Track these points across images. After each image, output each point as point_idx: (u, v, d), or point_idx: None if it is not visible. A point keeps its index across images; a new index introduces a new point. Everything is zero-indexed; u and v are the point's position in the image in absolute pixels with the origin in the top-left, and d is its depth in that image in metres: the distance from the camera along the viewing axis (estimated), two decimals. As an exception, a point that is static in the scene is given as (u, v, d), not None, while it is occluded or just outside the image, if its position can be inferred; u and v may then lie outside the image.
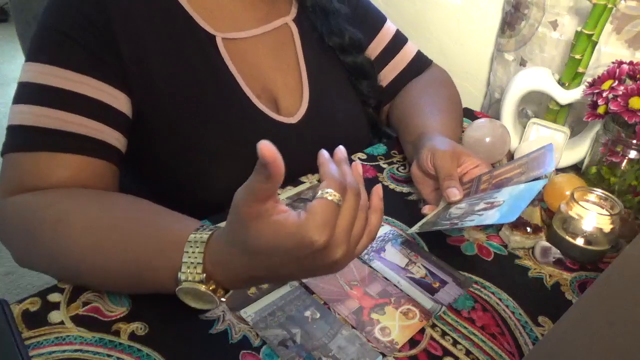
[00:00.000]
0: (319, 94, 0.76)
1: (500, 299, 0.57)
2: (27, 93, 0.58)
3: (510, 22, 0.97)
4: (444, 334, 0.52)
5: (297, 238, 0.39)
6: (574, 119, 0.90)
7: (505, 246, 0.65)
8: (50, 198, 0.54)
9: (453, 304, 0.56)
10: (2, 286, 1.58)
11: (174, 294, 0.46)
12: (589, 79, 0.75)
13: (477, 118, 0.92)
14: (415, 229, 0.59)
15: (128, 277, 0.49)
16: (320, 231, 0.39)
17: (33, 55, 0.59)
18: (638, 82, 0.69)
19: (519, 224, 0.64)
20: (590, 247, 0.62)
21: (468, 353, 0.50)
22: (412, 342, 0.51)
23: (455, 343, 0.51)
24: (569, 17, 0.87)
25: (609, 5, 0.74)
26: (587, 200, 0.65)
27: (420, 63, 0.89)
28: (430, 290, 0.57)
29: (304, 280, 0.56)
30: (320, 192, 0.40)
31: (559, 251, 0.62)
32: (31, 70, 0.58)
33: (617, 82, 0.70)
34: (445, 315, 0.54)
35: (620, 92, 0.68)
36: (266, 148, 0.36)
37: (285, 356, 0.48)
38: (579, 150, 0.81)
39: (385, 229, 0.65)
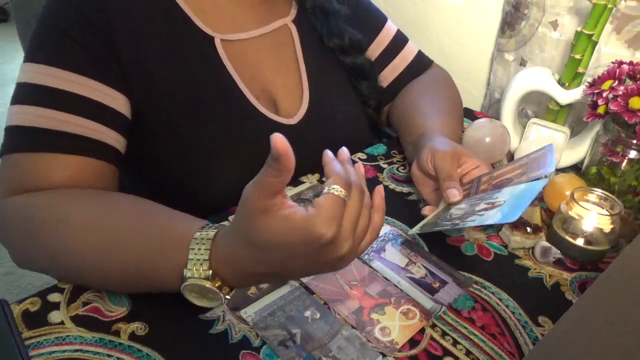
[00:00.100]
0: (319, 95, 0.76)
1: (500, 299, 0.57)
2: (26, 93, 0.58)
3: (510, 22, 0.97)
4: (444, 334, 0.52)
5: (305, 232, 0.40)
6: (574, 119, 0.90)
7: (505, 246, 0.65)
8: (51, 198, 0.54)
9: (453, 304, 0.56)
10: (2, 286, 1.58)
11: (176, 292, 0.47)
12: (589, 79, 0.75)
13: (477, 118, 0.92)
14: (415, 230, 0.59)
15: (131, 276, 0.49)
16: (327, 225, 0.39)
17: (31, 55, 0.59)
18: (638, 82, 0.69)
19: (519, 224, 0.64)
20: (590, 247, 0.62)
21: (468, 353, 0.50)
22: (412, 342, 0.51)
23: (455, 343, 0.51)
24: (569, 17, 0.87)
25: (609, 5, 0.74)
26: (587, 200, 0.65)
27: (421, 63, 0.89)
28: (430, 290, 0.57)
29: (304, 280, 0.56)
30: (326, 188, 0.41)
31: (559, 251, 0.62)
32: (29, 71, 0.58)
33: (617, 82, 0.70)
34: (445, 315, 0.54)
35: (620, 92, 0.68)
36: (279, 141, 0.37)
37: (285, 356, 0.48)
38: (579, 150, 0.81)
39: (385, 229, 0.65)
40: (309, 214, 0.40)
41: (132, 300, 0.53)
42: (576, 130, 0.87)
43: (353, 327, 0.51)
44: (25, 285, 1.58)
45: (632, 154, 0.70)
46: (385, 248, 0.62)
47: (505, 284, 0.59)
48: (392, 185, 0.75)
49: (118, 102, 0.61)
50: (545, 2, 0.89)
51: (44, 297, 0.52)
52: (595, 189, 0.66)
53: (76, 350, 0.47)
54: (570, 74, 0.79)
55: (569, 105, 0.82)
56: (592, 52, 0.78)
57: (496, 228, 0.67)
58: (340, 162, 0.45)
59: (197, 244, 0.45)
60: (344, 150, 0.47)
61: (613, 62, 0.73)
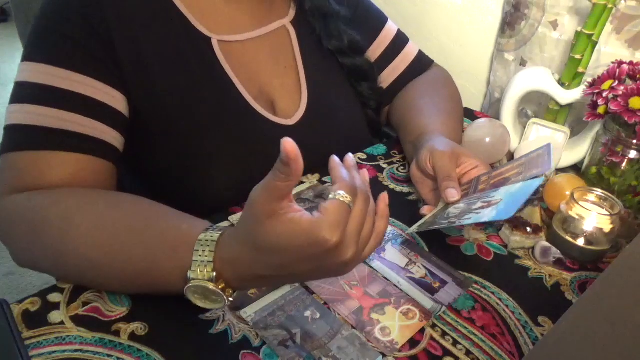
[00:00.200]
0: (318, 95, 0.76)
1: (500, 299, 0.57)
2: (24, 92, 0.58)
3: (510, 22, 0.97)
4: (444, 334, 0.52)
5: (310, 236, 0.40)
6: (574, 119, 0.90)
7: (505, 246, 0.65)
8: (54, 197, 0.53)
9: (453, 304, 0.56)
10: (2, 286, 1.58)
11: (179, 294, 0.47)
12: (589, 79, 0.75)
13: (477, 118, 0.92)
14: (414, 228, 0.60)
15: (135, 277, 0.49)
16: (332, 230, 0.40)
17: (29, 54, 0.59)
18: (638, 82, 0.69)
19: (519, 224, 0.64)
20: (590, 247, 0.62)
21: (468, 353, 0.50)
22: (412, 342, 0.51)
23: (455, 343, 0.51)
24: (569, 17, 0.87)
25: (609, 5, 0.74)
26: (587, 200, 0.65)
27: (421, 64, 0.89)
28: (430, 290, 0.57)
29: (304, 280, 0.56)
30: (332, 194, 0.42)
31: (559, 251, 0.62)
32: (28, 70, 0.58)
33: (617, 82, 0.70)
34: (445, 315, 0.54)
35: (620, 92, 0.68)
36: (290, 146, 0.37)
37: (285, 356, 0.48)
38: (579, 150, 0.81)
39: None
40: (314, 218, 0.40)
41: (132, 300, 0.53)
42: (576, 130, 0.87)
43: (353, 327, 0.51)
44: (25, 285, 1.58)
45: (632, 154, 0.70)
46: (385, 248, 0.62)
47: (505, 284, 0.59)
48: (392, 185, 0.75)
49: (116, 100, 0.61)
50: (545, 2, 0.89)
51: (44, 297, 0.52)
52: (595, 189, 0.66)
53: (76, 350, 0.47)
54: (570, 74, 0.79)
55: (569, 105, 0.82)
56: (592, 52, 0.78)
57: (496, 228, 0.67)
58: (346, 168, 0.45)
59: (202, 245, 0.45)
60: (350, 157, 0.47)
61: (613, 62, 0.73)
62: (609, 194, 0.65)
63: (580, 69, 0.78)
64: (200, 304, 0.47)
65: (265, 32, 0.73)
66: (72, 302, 0.52)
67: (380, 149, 0.84)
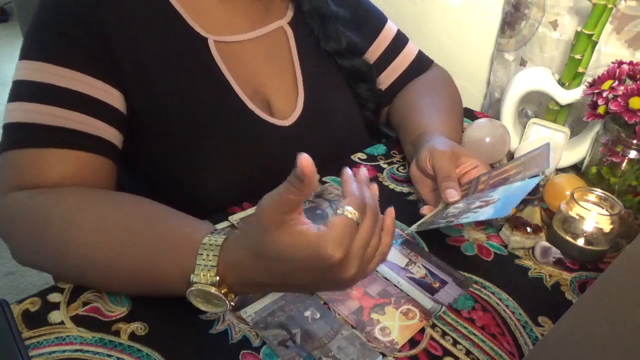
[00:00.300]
0: (315, 96, 0.75)
1: (500, 299, 0.57)
2: (23, 91, 0.58)
3: (510, 22, 0.97)
4: (444, 334, 0.52)
5: (315, 249, 0.40)
6: (574, 119, 0.90)
7: (505, 246, 0.65)
8: (56, 197, 0.53)
9: (453, 304, 0.56)
10: (2, 286, 1.58)
11: (181, 297, 0.47)
12: (589, 79, 0.75)
13: (477, 118, 0.92)
14: (413, 228, 0.60)
15: (137, 279, 0.50)
16: (337, 246, 0.40)
17: (27, 53, 0.59)
18: (638, 82, 0.69)
19: (519, 224, 0.64)
20: (590, 247, 0.62)
21: (468, 353, 0.50)
22: (412, 342, 0.51)
23: (455, 343, 0.51)
24: (569, 17, 0.87)
25: (609, 5, 0.74)
26: (587, 200, 0.65)
27: (421, 64, 0.89)
28: (430, 290, 0.57)
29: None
30: (340, 209, 0.42)
31: (559, 251, 0.62)
32: (25, 68, 0.58)
33: (617, 82, 0.70)
34: (445, 315, 0.54)
35: (620, 92, 0.68)
36: (306, 162, 0.38)
37: (285, 356, 0.48)
38: (579, 150, 0.81)
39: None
40: (320, 232, 0.41)
41: (132, 300, 0.53)
42: (576, 130, 0.87)
43: (353, 327, 0.51)
44: (25, 285, 1.58)
45: (632, 154, 0.70)
46: (385, 248, 0.62)
47: (505, 284, 0.59)
48: (392, 185, 0.75)
49: (114, 98, 0.61)
50: (545, 2, 0.89)
51: (44, 297, 0.52)
52: (595, 189, 0.66)
53: (76, 350, 0.47)
54: (570, 74, 0.79)
55: (569, 105, 0.82)
56: (592, 52, 0.78)
57: (496, 228, 0.67)
58: (357, 182, 0.45)
59: (206, 249, 0.46)
60: (364, 171, 0.47)
61: (613, 62, 0.73)
62: (609, 194, 0.65)
63: (580, 69, 0.78)
64: (201, 307, 0.47)
65: (262, 33, 0.73)
66: (72, 302, 0.52)
67: (380, 149, 0.84)
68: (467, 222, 0.61)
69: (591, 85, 0.74)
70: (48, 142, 0.56)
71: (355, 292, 0.55)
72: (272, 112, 0.72)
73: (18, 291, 1.56)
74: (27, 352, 0.46)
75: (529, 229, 0.64)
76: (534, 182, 0.53)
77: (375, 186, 0.48)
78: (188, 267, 0.46)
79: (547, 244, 0.63)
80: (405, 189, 0.75)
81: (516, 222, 0.65)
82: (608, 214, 0.63)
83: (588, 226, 0.62)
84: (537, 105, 0.96)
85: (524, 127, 0.83)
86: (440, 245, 0.64)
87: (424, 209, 0.62)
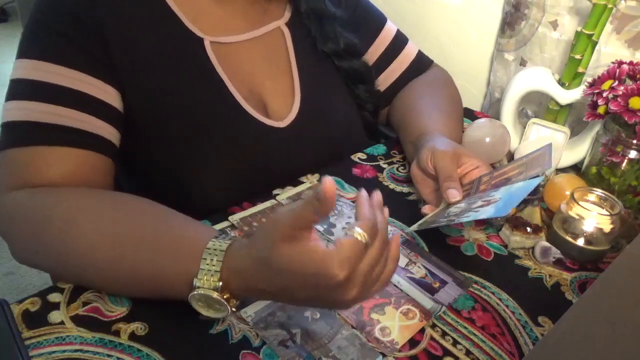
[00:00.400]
0: (312, 97, 0.75)
1: (500, 299, 0.57)
2: (20, 89, 0.58)
3: (510, 22, 0.97)
4: (444, 334, 0.52)
5: (320, 267, 0.40)
6: (574, 119, 0.90)
7: (505, 246, 0.65)
8: (57, 196, 0.53)
9: (453, 304, 0.56)
10: (2, 286, 1.58)
11: (182, 300, 0.47)
12: (589, 79, 0.75)
13: (477, 118, 0.92)
14: (414, 227, 0.59)
15: (137, 281, 0.50)
16: (342, 266, 0.40)
17: (24, 51, 0.59)
18: (638, 82, 0.69)
19: (519, 224, 0.64)
20: (590, 247, 0.62)
21: (468, 353, 0.50)
22: (412, 342, 0.51)
23: (455, 343, 0.51)
24: (569, 17, 0.87)
25: (609, 5, 0.74)
26: (587, 200, 0.65)
27: (421, 64, 0.89)
28: (430, 290, 0.57)
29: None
30: (351, 230, 0.42)
31: (559, 251, 0.62)
32: (23, 67, 0.58)
33: (617, 82, 0.70)
34: (445, 315, 0.54)
35: (620, 92, 0.68)
36: (329, 186, 0.38)
37: (285, 356, 0.48)
38: (579, 150, 0.81)
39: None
40: (328, 251, 0.41)
41: (132, 300, 0.53)
42: (576, 130, 0.87)
43: (353, 327, 0.51)
44: (25, 285, 1.58)
45: (632, 154, 0.70)
46: (385, 248, 0.62)
47: (505, 284, 0.59)
48: (392, 185, 0.75)
49: (111, 96, 0.61)
50: (545, 2, 0.89)
51: (44, 297, 0.52)
52: (595, 189, 0.66)
53: (76, 350, 0.47)
54: (570, 74, 0.79)
55: (569, 105, 0.82)
56: (592, 52, 0.78)
57: (496, 228, 0.67)
58: (371, 206, 0.45)
59: (210, 254, 0.46)
60: (378, 195, 0.47)
61: (613, 62, 0.72)
62: (609, 194, 0.65)
63: (580, 69, 0.78)
64: (202, 312, 0.47)
65: (259, 34, 0.73)
66: (72, 302, 0.52)
67: (380, 149, 0.84)
68: (468, 221, 0.61)
69: (591, 85, 0.74)
70: (47, 140, 0.56)
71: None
72: (268, 113, 0.72)
73: (18, 291, 1.56)
74: (27, 352, 0.46)
75: (529, 229, 0.64)
76: (536, 182, 0.53)
77: (386, 211, 0.48)
78: (191, 271, 0.46)
79: (547, 244, 0.63)
80: (405, 189, 0.75)
81: (516, 222, 0.65)
82: (608, 214, 0.63)
83: (588, 226, 0.62)
84: (537, 105, 0.96)
85: (524, 127, 0.83)
86: (440, 245, 0.64)
87: (425, 208, 0.62)
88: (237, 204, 0.67)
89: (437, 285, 0.58)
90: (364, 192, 0.45)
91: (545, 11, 0.90)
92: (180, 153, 0.66)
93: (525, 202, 0.67)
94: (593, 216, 0.61)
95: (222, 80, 0.67)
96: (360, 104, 0.83)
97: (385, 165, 0.80)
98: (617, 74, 0.71)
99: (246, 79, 0.70)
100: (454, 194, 0.58)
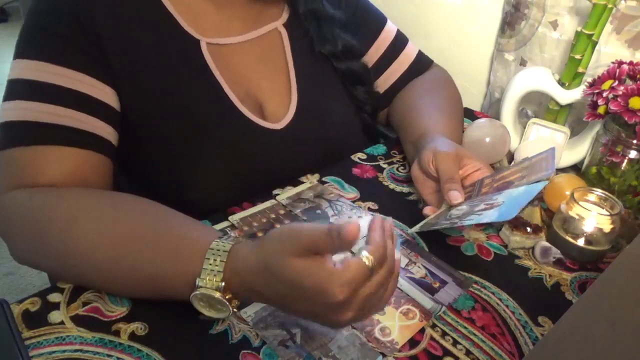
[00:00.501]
0: (308, 98, 0.75)
1: (500, 299, 0.57)
2: (18, 89, 0.58)
3: (510, 22, 0.97)
4: (444, 334, 0.52)
5: (322, 284, 0.41)
6: (574, 119, 0.90)
7: (505, 246, 0.65)
8: (57, 197, 0.53)
9: (453, 304, 0.56)
10: (2, 286, 1.58)
11: (183, 300, 0.47)
12: (589, 79, 0.75)
13: (477, 118, 0.92)
14: (415, 228, 0.59)
15: (141, 281, 0.50)
16: (344, 287, 0.40)
17: (21, 52, 0.59)
18: (638, 82, 0.69)
19: (518, 224, 0.64)
20: (590, 247, 0.62)
21: (468, 353, 0.50)
22: (412, 342, 0.51)
23: (455, 343, 0.51)
24: (569, 17, 0.87)
25: (609, 5, 0.74)
26: (587, 200, 0.65)
27: (421, 64, 0.88)
28: (430, 290, 0.57)
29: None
30: (361, 253, 0.42)
31: (559, 251, 0.62)
32: (20, 67, 0.58)
33: (617, 82, 0.70)
34: (445, 315, 0.54)
35: (620, 92, 0.68)
36: (354, 232, 0.39)
37: (285, 356, 0.48)
38: (579, 150, 0.81)
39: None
40: (333, 270, 0.41)
41: (132, 300, 0.53)
42: (576, 130, 0.87)
43: (353, 327, 0.51)
44: (25, 285, 1.58)
45: (632, 154, 0.70)
46: (385, 248, 0.62)
47: (505, 284, 0.59)
48: (392, 185, 0.75)
49: (108, 95, 0.61)
50: (545, 2, 0.89)
51: (44, 297, 0.52)
52: (595, 189, 0.66)
53: (76, 350, 0.47)
54: (570, 74, 0.79)
55: (569, 105, 0.82)
56: (592, 52, 0.78)
57: (496, 228, 0.67)
58: (382, 233, 0.45)
59: (213, 254, 0.46)
60: (389, 222, 0.47)
61: (613, 62, 0.73)
62: (609, 194, 0.65)
63: (580, 69, 0.78)
64: (204, 312, 0.47)
65: (256, 35, 0.72)
66: (72, 302, 0.52)
67: (380, 149, 0.84)
68: (470, 224, 0.61)
69: (591, 85, 0.74)
70: (46, 139, 0.56)
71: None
72: (264, 115, 0.71)
73: (18, 291, 1.56)
74: (27, 352, 0.46)
75: (529, 229, 0.64)
76: (539, 186, 0.53)
77: (396, 237, 0.48)
78: (193, 270, 0.46)
79: (547, 244, 0.63)
80: (405, 189, 0.75)
81: (516, 222, 0.65)
82: (608, 214, 0.63)
83: (588, 226, 0.62)
84: (537, 105, 0.96)
85: (524, 127, 0.83)
86: (440, 245, 0.64)
87: (427, 209, 0.62)
88: (234, 205, 0.67)
89: (437, 285, 0.58)
90: (378, 218, 0.45)
91: (545, 11, 0.90)
92: (176, 154, 0.66)
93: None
94: (593, 216, 0.61)
95: (218, 82, 0.67)
96: (359, 105, 0.82)
97: (385, 165, 0.80)
98: (617, 74, 0.71)
99: (243, 81, 0.70)
100: (456, 196, 0.58)
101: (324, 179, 0.75)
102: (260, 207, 0.67)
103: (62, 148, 0.57)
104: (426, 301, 0.55)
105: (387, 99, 0.87)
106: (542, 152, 0.61)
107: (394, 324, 0.52)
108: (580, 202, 0.63)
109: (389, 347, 0.50)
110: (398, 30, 0.88)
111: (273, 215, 0.66)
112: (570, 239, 0.62)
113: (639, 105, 0.67)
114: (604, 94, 0.70)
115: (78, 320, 0.50)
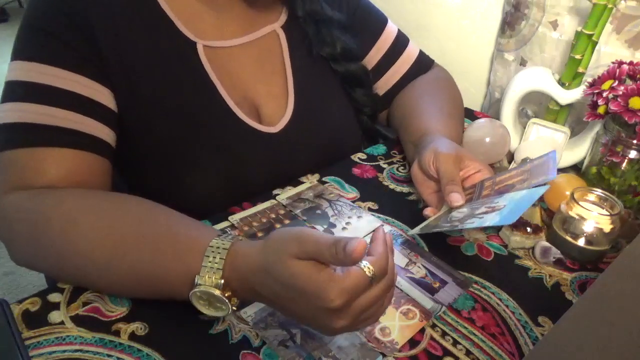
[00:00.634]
0: (306, 101, 0.75)
1: (500, 299, 0.57)
2: (15, 91, 0.58)
3: (510, 22, 0.97)
4: (444, 334, 0.52)
5: (320, 288, 0.41)
6: (574, 119, 0.90)
7: (505, 246, 0.65)
8: (56, 198, 0.53)
9: (453, 304, 0.56)
10: (2, 286, 1.58)
11: (183, 299, 0.47)
12: (589, 79, 0.75)
13: (477, 118, 0.92)
14: (416, 230, 0.59)
15: (140, 280, 0.50)
16: (341, 294, 0.41)
17: (18, 53, 0.59)
18: (638, 82, 0.69)
19: (519, 224, 0.64)
20: (590, 247, 0.62)
21: (468, 353, 0.50)
22: (412, 342, 0.51)
23: (455, 343, 0.51)
24: (569, 17, 0.87)
25: (609, 5, 0.74)
26: (587, 200, 0.65)
27: (422, 65, 0.88)
28: (430, 290, 0.57)
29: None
30: (362, 262, 0.42)
31: (559, 251, 0.62)
32: (17, 69, 0.58)
33: (617, 82, 0.70)
34: (445, 315, 0.54)
35: (620, 92, 0.68)
36: (361, 248, 0.40)
37: (285, 356, 0.48)
38: (579, 150, 0.81)
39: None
40: (333, 276, 0.41)
41: (132, 301, 0.53)
42: (576, 130, 0.87)
43: (353, 327, 0.51)
44: (25, 285, 1.58)
45: (632, 154, 0.70)
46: (385, 248, 0.62)
47: (505, 284, 0.59)
48: (392, 185, 0.75)
49: (105, 96, 0.61)
50: (545, 2, 0.89)
51: (44, 297, 0.52)
52: (595, 189, 0.66)
53: (76, 350, 0.47)
54: (570, 74, 0.79)
55: (569, 105, 0.82)
56: (592, 52, 0.78)
57: (496, 228, 0.67)
58: (386, 246, 0.45)
59: (213, 252, 0.46)
60: (390, 238, 0.46)
61: (613, 62, 0.73)
62: (609, 194, 0.65)
63: (580, 69, 0.78)
64: (204, 310, 0.47)
65: (254, 38, 0.72)
66: (72, 302, 0.52)
67: (380, 149, 0.84)
68: (471, 228, 0.61)
69: (591, 85, 0.74)
70: (44, 141, 0.56)
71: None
72: (260, 118, 0.71)
73: (18, 291, 1.56)
74: (27, 352, 0.46)
75: (529, 229, 0.64)
76: (541, 191, 0.53)
77: (395, 252, 0.48)
78: (193, 268, 0.46)
79: (547, 244, 0.63)
80: (405, 189, 0.75)
81: (516, 222, 0.64)
82: (608, 214, 0.63)
83: (588, 226, 0.62)
84: (537, 105, 0.96)
85: (524, 127, 0.83)
86: (440, 245, 0.64)
87: (427, 210, 0.62)
88: (231, 206, 0.67)
89: (437, 285, 0.58)
90: (381, 230, 0.45)
91: (545, 11, 0.90)
92: (172, 157, 0.66)
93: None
94: (593, 216, 0.61)
95: (214, 85, 0.67)
96: (358, 107, 0.82)
97: (385, 165, 0.80)
98: (617, 74, 0.71)
99: (239, 84, 0.70)
100: (457, 198, 0.58)
101: (324, 179, 0.75)
102: (260, 207, 0.67)
103: (59, 150, 0.56)
104: (426, 301, 0.55)
105: (389, 100, 0.87)
106: (543, 155, 0.61)
107: (394, 324, 0.52)
108: (580, 202, 0.63)
109: (389, 347, 0.50)
110: (399, 30, 0.87)
111: (273, 215, 0.66)
112: (570, 239, 0.62)
113: (639, 105, 0.67)
114: (604, 94, 0.70)
115: (78, 320, 0.50)
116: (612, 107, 0.68)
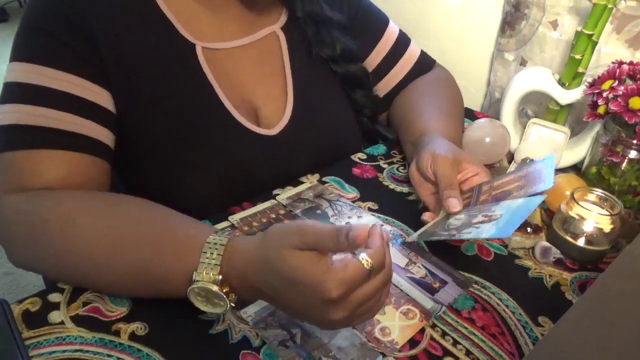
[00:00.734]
0: (305, 102, 0.74)
1: (500, 299, 0.57)
2: (13, 93, 0.58)
3: (510, 22, 0.97)
4: (444, 334, 0.52)
5: (319, 280, 0.41)
6: (574, 119, 0.90)
7: (505, 246, 0.65)
8: (55, 199, 0.53)
9: (453, 304, 0.56)
10: (2, 286, 1.58)
11: (181, 297, 0.47)
12: (589, 79, 0.75)
13: (477, 118, 0.92)
14: (414, 237, 0.59)
15: (139, 279, 0.50)
16: (339, 285, 0.41)
17: (17, 54, 0.59)
18: (638, 82, 0.69)
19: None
20: (590, 247, 0.62)
21: (468, 353, 0.50)
22: (412, 342, 0.51)
23: (455, 343, 0.51)
24: (569, 17, 0.87)
25: (609, 5, 0.74)
26: (587, 200, 0.65)
27: (424, 65, 0.88)
28: (430, 290, 0.57)
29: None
30: (360, 255, 0.42)
31: (559, 251, 0.62)
32: (16, 70, 0.58)
33: (617, 82, 0.70)
34: (445, 315, 0.54)
35: (620, 92, 0.68)
36: (364, 233, 0.40)
37: (285, 356, 0.48)
38: (579, 150, 0.81)
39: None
40: (331, 267, 0.41)
41: (132, 300, 0.53)
42: (576, 130, 0.87)
43: (353, 327, 0.51)
44: (25, 285, 1.58)
45: (632, 154, 0.70)
46: (385, 248, 0.62)
47: (505, 284, 0.59)
48: (392, 185, 0.75)
49: (103, 98, 0.61)
50: (545, 2, 0.89)
51: (44, 297, 0.52)
52: (595, 189, 0.66)
53: (76, 350, 0.47)
54: (570, 74, 0.79)
55: (569, 105, 0.82)
56: (592, 52, 0.78)
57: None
58: (383, 241, 0.45)
59: (210, 248, 0.46)
60: (387, 233, 0.47)
61: (613, 62, 0.73)
62: (609, 194, 0.65)
63: (580, 69, 0.78)
64: (202, 307, 0.47)
65: (253, 40, 0.72)
66: (72, 302, 0.52)
67: (380, 149, 0.84)
68: (468, 239, 0.60)
69: (591, 85, 0.74)
70: (42, 143, 0.56)
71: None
72: (259, 120, 0.71)
73: (18, 291, 1.56)
74: (27, 352, 0.46)
75: (529, 229, 0.64)
76: (537, 201, 0.52)
77: (395, 252, 0.48)
78: (191, 265, 0.46)
79: (547, 244, 0.63)
80: (405, 189, 0.75)
81: (516, 222, 0.65)
82: (608, 214, 0.63)
83: (588, 226, 0.62)
84: (537, 105, 0.96)
85: (524, 127, 0.83)
86: (440, 245, 0.64)
87: (425, 215, 0.62)
88: (231, 206, 0.67)
89: (437, 285, 0.58)
90: (378, 226, 0.45)
91: (545, 11, 0.90)
92: (169, 158, 0.66)
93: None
94: (593, 216, 0.61)
95: (212, 87, 0.67)
96: (358, 109, 0.82)
97: (385, 165, 0.80)
98: (617, 74, 0.71)
99: (238, 86, 0.70)
100: (455, 204, 0.58)
101: (324, 179, 0.75)
102: (260, 207, 0.67)
103: (58, 152, 0.56)
104: (426, 301, 0.55)
105: (390, 101, 0.87)
106: (541, 160, 0.60)
107: (394, 324, 0.52)
108: (580, 202, 0.63)
109: (389, 347, 0.50)
110: (400, 31, 0.87)
111: (273, 215, 0.66)
112: (570, 239, 0.62)
113: (639, 105, 0.67)
114: (604, 94, 0.70)
115: (78, 320, 0.50)
116: (612, 107, 0.68)
